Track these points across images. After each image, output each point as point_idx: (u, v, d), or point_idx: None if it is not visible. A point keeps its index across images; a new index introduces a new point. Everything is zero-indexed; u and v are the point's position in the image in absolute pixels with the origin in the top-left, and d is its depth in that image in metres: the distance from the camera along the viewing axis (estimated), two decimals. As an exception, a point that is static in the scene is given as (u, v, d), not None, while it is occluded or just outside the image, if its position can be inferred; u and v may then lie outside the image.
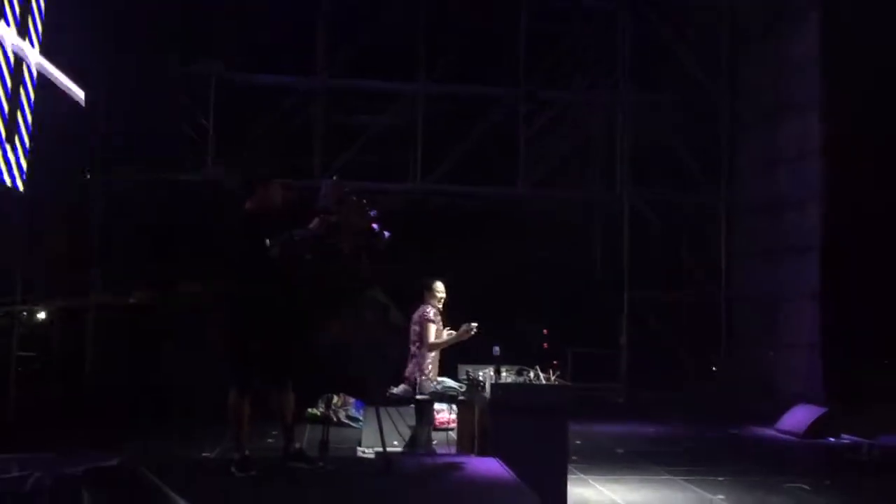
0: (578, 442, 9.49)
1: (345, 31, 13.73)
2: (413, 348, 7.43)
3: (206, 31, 13.42)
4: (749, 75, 14.74)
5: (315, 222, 5.10)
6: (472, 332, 7.24)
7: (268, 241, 4.95)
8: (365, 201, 5.29)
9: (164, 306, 12.26)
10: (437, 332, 7.41)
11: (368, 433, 8.33)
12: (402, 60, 14.04)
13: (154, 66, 13.19)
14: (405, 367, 7.50)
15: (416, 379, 7.19)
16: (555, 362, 11.54)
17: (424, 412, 7.20)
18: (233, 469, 4.98)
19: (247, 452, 5.06)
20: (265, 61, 13.73)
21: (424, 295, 7.56)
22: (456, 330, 7.38)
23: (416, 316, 7.52)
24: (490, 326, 7.58)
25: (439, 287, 7.57)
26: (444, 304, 7.61)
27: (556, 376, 6.58)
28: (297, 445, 5.28)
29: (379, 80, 14.12)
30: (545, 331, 14.46)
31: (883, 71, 11.41)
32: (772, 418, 11.48)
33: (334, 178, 5.70)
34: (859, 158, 11.61)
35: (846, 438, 10.35)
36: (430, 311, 7.43)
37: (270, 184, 5.31)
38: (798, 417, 11.02)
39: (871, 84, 11.47)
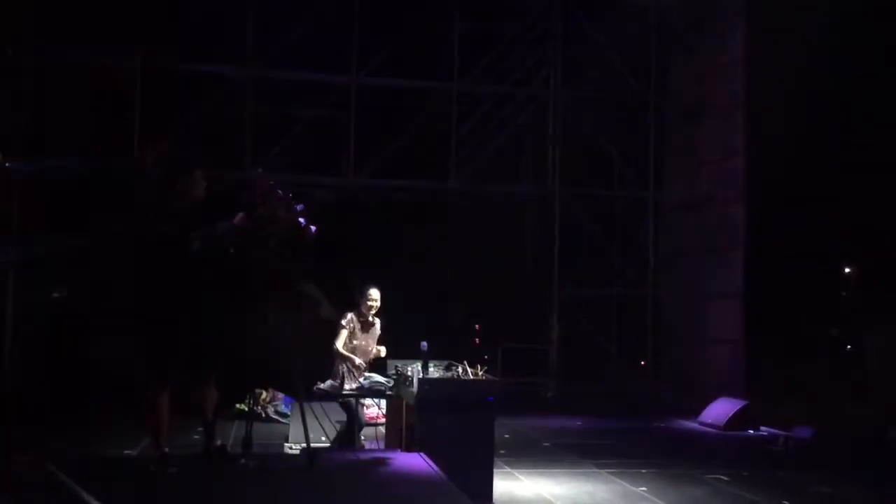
0: (507, 436, 9.59)
1: (277, 22, 13.51)
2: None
3: (134, 18, 13.04)
4: (676, 75, 15.06)
5: (239, 216, 5.01)
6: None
7: (190, 233, 4.84)
8: (291, 195, 5.22)
9: (83, 299, 11.91)
10: (349, 338, 7.30)
11: (295, 429, 8.24)
12: (336, 53, 13.90)
13: (77, 55, 12.79)
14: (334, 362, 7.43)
15: (343, 375, 7.15)
16: (485, 357, 11.68)
17: (348, 411, 7.16)
18: (151, 467, 4.87)
19: (166, 449, 4.95)
20: (195, 51, 13.43)
21: (356, 298, 7.41)
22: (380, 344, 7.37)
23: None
24: (421, 321, 7.58)
25: (372, 294, 7.40)
26: (376, 310, 7.45)
27: (484, 371, 6.63)
28: (219, 442, 5.19)
29: (311, 72, 13.96)
30: (477, 326, 14.56)
31: (805, 74, 11.78)
32: (695, 411, 11.80)
33: (259, 171, 5.62)
34: (781, 159, 11.97)
35: (764, 431, 10.71)
36: (348, 316, 7.31)
37: (193, 174, 5.18)
38: (720, 410, 11.35)
39: (793, 87, 11.83)
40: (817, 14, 11.68)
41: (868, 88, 11.78)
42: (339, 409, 7.25)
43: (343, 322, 7.29)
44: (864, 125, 11.88)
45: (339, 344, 7.23)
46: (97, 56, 12.97)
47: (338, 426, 7.31)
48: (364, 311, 7.38)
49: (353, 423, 7.14)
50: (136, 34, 13.00)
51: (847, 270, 15.19)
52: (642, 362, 14.96)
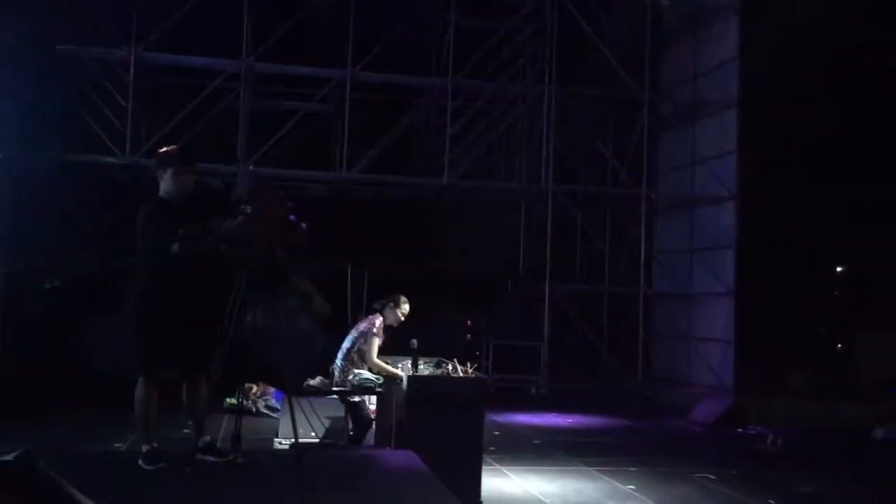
0: (497, 433, 9.60)
1: (271, 16, 13.47)
2: (346, 346, 7.19)
3: (128, 13, 13.00)
4: (670, 73, 15.08)
5: (239, 219, 4.96)
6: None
7: (180, 230, 4.82)
8: (282, 192, 5.21)
9: (75, 292, 11.88)
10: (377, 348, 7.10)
11: (285, 424, 8.23)
12: (330, 48, 13.87)
13: (69, 49, 12.74)
14: (331, 358, 7.34)
15: (334, 372, 7.13)
16: (476, 353, 11.70)
17: (355, 411, 7.10)
18: (140, 462, 4.86)
19: (154, 445, 4.94)
20: (189, 44, 13.39)
21: (385, 307, 7.21)
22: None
23: (362, 323, 7.23)
24: (413, 317, 7.55)
25: (406, 308, 7.22)
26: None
27: (474, 368, 6.64)
28: (208, 438, 5.18)
29: (305, 66, 13.93)
30: (468, 321, 14.57)
31: (799, 73, 11.82)
32: (685, 410, 11.83)
33: (251, 167, 5.61)
34: (774, 159, 12.01)
35: (753, 429, 10.74)
36: (377, 323, 7.10)
37: (185, 169, 5.16)
38: (709, 409, 11.39)
39: (787, 85, 11.87)
40: (811, 10, 11.70)
41: (864, 88, 11.81)
42: (329, 405, 7.23)
43: (376, 329, 7.06)
44: (858, 125, 11.93)
45: (375, 353, 6.94)
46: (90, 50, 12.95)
47: (327, 422, 7.30)
48: (392, 321, 7.22)
49: (358, 422, 7.08)
50: (127, 29, 12.99)
51: (839, 270, 15.27)
52: (633, 360, 14.99)
